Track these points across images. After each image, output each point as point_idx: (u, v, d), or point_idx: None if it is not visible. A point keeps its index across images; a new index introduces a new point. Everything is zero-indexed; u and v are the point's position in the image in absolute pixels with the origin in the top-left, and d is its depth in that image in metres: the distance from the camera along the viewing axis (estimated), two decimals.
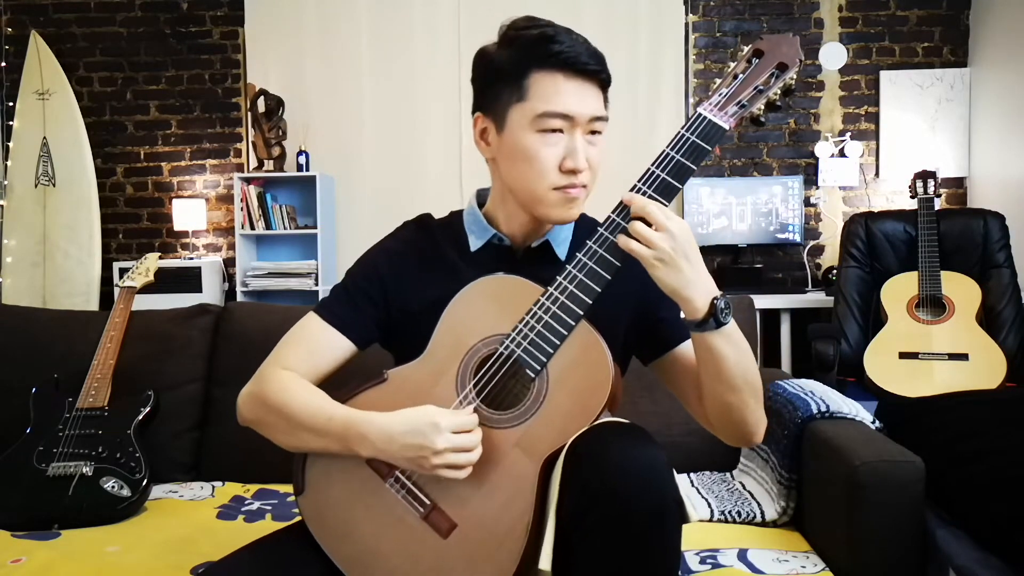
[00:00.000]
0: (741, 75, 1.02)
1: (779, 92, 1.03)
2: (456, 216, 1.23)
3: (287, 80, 4.23)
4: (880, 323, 2.88)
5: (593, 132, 1.08)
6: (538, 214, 1.11)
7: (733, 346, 1.02)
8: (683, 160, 0.99)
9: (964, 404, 1.77)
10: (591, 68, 1.05)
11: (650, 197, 0.99)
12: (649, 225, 0.96)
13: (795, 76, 1.02)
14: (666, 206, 0.98)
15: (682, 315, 1.01)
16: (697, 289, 0.97)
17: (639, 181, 1.00)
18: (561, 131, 1.05)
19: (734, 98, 1.01)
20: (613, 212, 1.00)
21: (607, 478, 0.89)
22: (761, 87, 1.01)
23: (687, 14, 4.14)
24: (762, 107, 1.03)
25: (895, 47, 4.11)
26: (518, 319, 1.02)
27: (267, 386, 1.11)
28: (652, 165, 1.00)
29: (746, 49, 1.04)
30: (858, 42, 4.11)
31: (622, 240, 0.97)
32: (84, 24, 4.37)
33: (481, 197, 1.21)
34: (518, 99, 1.05)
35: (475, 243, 1.17)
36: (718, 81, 1.04)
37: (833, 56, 4.02)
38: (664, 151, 1.00)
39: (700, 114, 1.01)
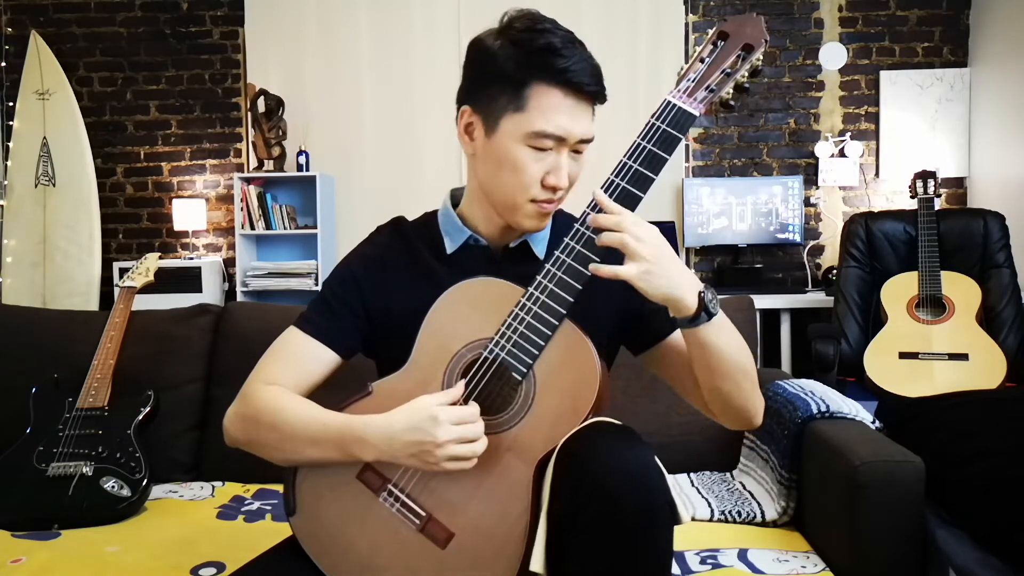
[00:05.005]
0: (708, 58, 1.00)
1: (747, 74, 1.00)
2: (431, 217, 1.21)
3: (287, 80, 4.23)
4: (880, 323, 2.87)
5: (577, 151, 1.07)
6: (510, 221, 1.10)
7: (726, 334, 1.02)
8: (655, 150, 0.98)
9: (964, 404, 1.77)
10: (591, 89, 1.03)
11: (624, 188, 0.98)
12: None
13: (761, 57, 1.00)
14: (641, 197, 0.97)
15: (672, 315, 1.00)
16: (684, 287, 0.96)
17: (612, 174, 0.99)
18: (551, 149, 1.04)
19: (702, 83, 0.99)
20: (589, 207, 0.99)
21: (597, 479, 0.88)
22: (728, 70, 0.99)
23: (687, 14, 4.14)
24: (731, 90, 1.01)
25: (895, 47, 4.11)
26: (500, 322, 1.00)
27: (255, 403, 1.08)
28: (624, 157, 0.99)
29: (710, 32, 1.02)
30: (858, 42, 4.11)
31: (600, 268, 0.95)
32: (84, 24, 4.37)
33: (455, 196, 1.20)
34: (515, 109, 1.03)
35: (451, 246, 1.15)
36: (684, 66, 1.02)
37: (833, 56, 4.02)
38: (636, 141, 0.99)
39: (669, 101, 0.99)
